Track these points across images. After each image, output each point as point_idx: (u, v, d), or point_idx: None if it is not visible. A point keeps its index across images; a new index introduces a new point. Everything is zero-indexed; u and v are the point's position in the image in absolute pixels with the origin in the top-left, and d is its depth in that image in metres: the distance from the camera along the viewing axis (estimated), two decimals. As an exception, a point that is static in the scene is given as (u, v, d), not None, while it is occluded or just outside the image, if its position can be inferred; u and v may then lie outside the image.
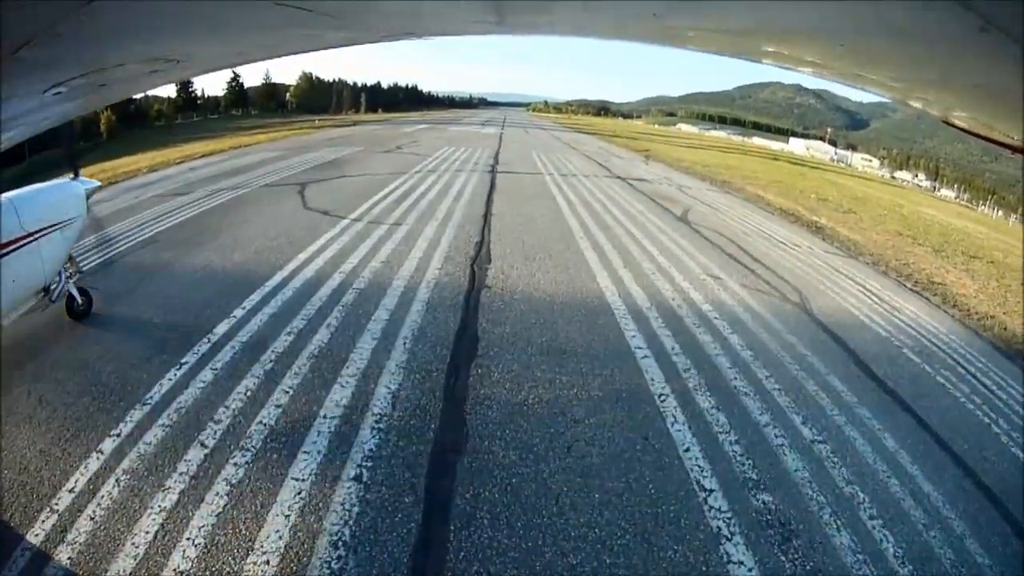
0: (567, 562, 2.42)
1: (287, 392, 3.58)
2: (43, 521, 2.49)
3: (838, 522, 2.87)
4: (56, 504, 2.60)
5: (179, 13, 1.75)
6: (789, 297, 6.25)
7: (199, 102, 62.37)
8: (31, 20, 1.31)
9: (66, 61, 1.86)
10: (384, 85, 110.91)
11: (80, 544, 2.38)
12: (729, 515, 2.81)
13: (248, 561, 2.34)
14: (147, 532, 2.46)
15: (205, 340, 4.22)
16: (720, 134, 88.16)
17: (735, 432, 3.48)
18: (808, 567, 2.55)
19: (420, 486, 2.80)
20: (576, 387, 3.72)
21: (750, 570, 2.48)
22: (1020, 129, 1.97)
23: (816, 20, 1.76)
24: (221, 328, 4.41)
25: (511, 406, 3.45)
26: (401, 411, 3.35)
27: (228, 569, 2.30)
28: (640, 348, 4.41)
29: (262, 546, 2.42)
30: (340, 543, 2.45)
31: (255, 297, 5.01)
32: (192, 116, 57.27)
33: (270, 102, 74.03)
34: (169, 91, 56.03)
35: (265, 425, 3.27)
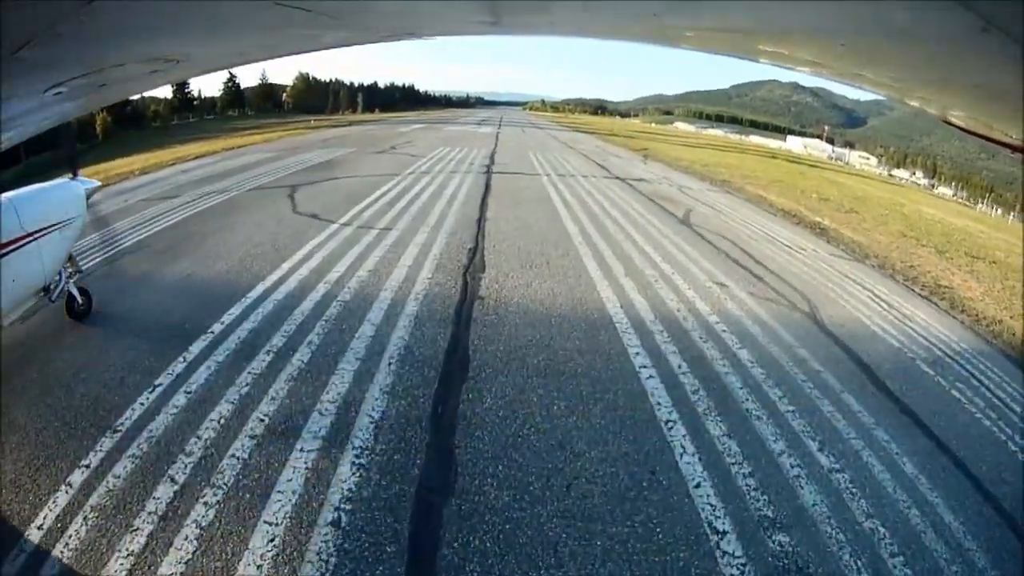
0: (567, 627, 2.14)
1: (262, 420, 3.29)
2: None
3: (858, 563, 2.62)
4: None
5: (179, 13, 1.75)
6: (798, 306, 5.98)
7: (195, 103, 62.17)
8: (31, 20, 1.32)
9: (66, 61, 1.87)
10: (381, 85, 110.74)
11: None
12: (743, 561, 2.53)
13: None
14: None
15: (180, 359, 3.95)
16: (717, 132, 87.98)
17: (748, 463, 3.20)
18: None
19: (403, 533, 2.52)
20: (576, 414, 3.42)
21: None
22: (1020, 128, 1.97)
23: (815, 20, 1.75)
24: (197, 347, 4.13)
25: (504, 438, 3.15)
26: (384, 443, 3.06)
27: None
28: (645, 367, 4.11)
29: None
30: (312, 605, 2.17)
31: (235, 311, 4.72)
32: (188, 117, 57.01)
33: (266, 102, 73.71)
34: (165, 92, 55.85)
35: (238, 459, 2.99)
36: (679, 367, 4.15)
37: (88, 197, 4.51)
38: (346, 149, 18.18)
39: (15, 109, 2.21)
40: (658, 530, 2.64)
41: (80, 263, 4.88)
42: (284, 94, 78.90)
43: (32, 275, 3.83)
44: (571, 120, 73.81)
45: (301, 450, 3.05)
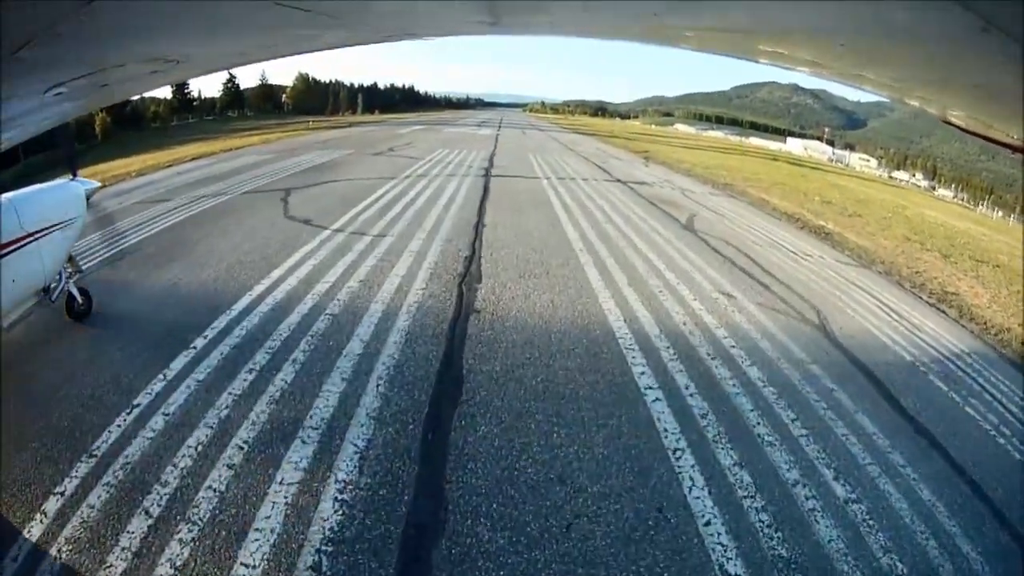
0: None
1: (241, 448, 3.07)
2: None
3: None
4: None
5: (179, 13, 1.75)
6: (807, 317, 5.76)
7: (195, 104, 61.97)
8: (31, 20, 1.31)
9: (66, 61, 1.87)
10: (381, 86, 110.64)
11: None
12: (760, 610, 2.32)
13: None
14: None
15: (160, 377, 3.74)
16: (717, 134, 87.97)
17: (761, 495, 2.98)
18: None
19: (388, 581, 2.30)
20: (577, 443, 3.19)
21: None
22: (1020, 128, 1.97)
23: (815, 20, 1.74)
24: (178, 363, 3.92)
25: (499, 471, 2.91)
26: (369, 477, 2.83)
27: None
28: (651, 388, 3.87)
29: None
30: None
31: (220, 323, 4.50)
32: (188, 118, 56.84)
33: (266, 103, 73.51)
34: (165, 93, 55.68)
35: (215, 492, 2.78)
36: (686, 388, 3.92)
37: (88, 197, 4.53)
38: (343, 151, 17.96)
39: (15, 109, 2.21)
40: (665, 575, 2.42)
41: (80, 263, 4.86)
42: (284, 95, 78.67)
43: (32, 275, 3.83)
44: (571, 122, 73.66)
45: (281, 483, 2.83)
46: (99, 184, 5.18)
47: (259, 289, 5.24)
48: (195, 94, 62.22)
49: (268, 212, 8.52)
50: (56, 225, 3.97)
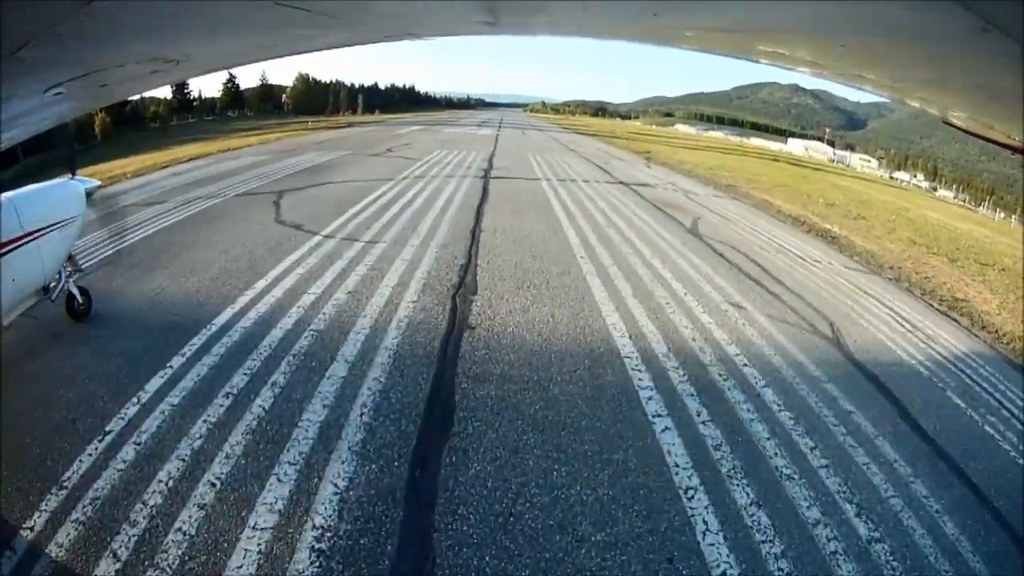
0: None
1: (214, 485, 2.81)
2: None
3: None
4: None
5: (179, 13, 1.74)
6: (820, 329, 5.50)
7: (195, 104, 61.62)
8: (31, 20, 1.31)
9: (66, 61, 1.87)
10: (381, 86, 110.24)
11: None
12: None
13: None
14: None
15: (134, 400, 3.49)
16: (718, 135, 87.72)
17: (780, 539, 2.72)
18: None
19: (367, 650, 2.03)
20: (579, 482, 2.90)
21: None
22: (1020, 129, 1.96)
23: (815, 20, 1.74)
24: (154, 384, 3.67)
25: (493, 516, 2.63)
26: (349, 523, 2.56)
27: None
28: (659, 416, 3.58)
29: None
30: None
31: (197, 341, 4.23)
32: (188, 118, 56.51)
33: (266, 103, 73.09)
34: (165, 92, 55.37)
35: (184, 535, 2.53)
36: (698, 415, 3.63)
37: (88, 196, 4.51)
38: (340, 152, 17.68)
39: (15, 109, 2.20)
40: (679, 641, 2.16)
41: (80, 262, 4.81)
42: (284, 95, 78.23)
43: (32, 275, 3.82)
44: (572, 122, 73.36)
45: (254, 527, 2.57)
46: (99, 183, 5.16)
47: (243, 300, 4.97)
48: (195, 94, 61.87)
49: (260, 216, 8.25)
50: (56, 224, 3.95)
